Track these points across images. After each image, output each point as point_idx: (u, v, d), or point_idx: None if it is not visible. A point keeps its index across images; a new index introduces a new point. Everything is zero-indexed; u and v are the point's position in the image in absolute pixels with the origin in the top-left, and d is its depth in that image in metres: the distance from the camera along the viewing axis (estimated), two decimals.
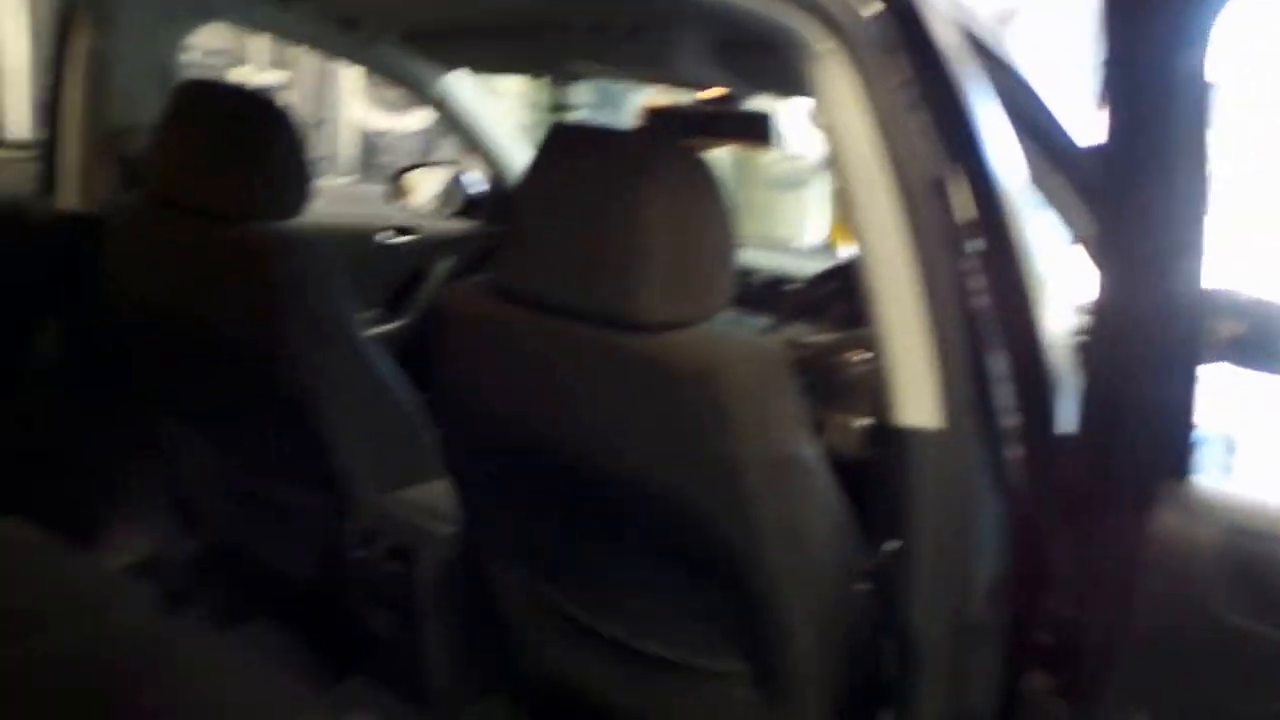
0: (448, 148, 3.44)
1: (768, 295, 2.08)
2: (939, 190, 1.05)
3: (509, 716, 1.58)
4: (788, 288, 2.04)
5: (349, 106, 5.30)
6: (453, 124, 2.38)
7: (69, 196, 1.90)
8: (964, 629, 1.08)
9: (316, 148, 4.93)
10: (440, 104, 2.32)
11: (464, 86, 2.31)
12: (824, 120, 1.11)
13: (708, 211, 1.13)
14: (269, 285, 1.50)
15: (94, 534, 1.89)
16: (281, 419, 1.60)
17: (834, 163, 1.09)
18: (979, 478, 1.07)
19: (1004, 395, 1.04)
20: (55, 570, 1.36)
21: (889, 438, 1.08)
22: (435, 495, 1.51)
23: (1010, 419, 1.05)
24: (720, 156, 3.12)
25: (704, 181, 1.13)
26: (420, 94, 2.32)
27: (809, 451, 1.14)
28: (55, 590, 1.30)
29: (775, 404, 1.10)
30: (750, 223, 3.42)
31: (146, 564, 1.91)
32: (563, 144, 1.20)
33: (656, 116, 1.95)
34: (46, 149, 1.91)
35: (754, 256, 2.20)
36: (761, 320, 1.89)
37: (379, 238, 2.41)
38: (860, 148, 1.06)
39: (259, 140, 1.54)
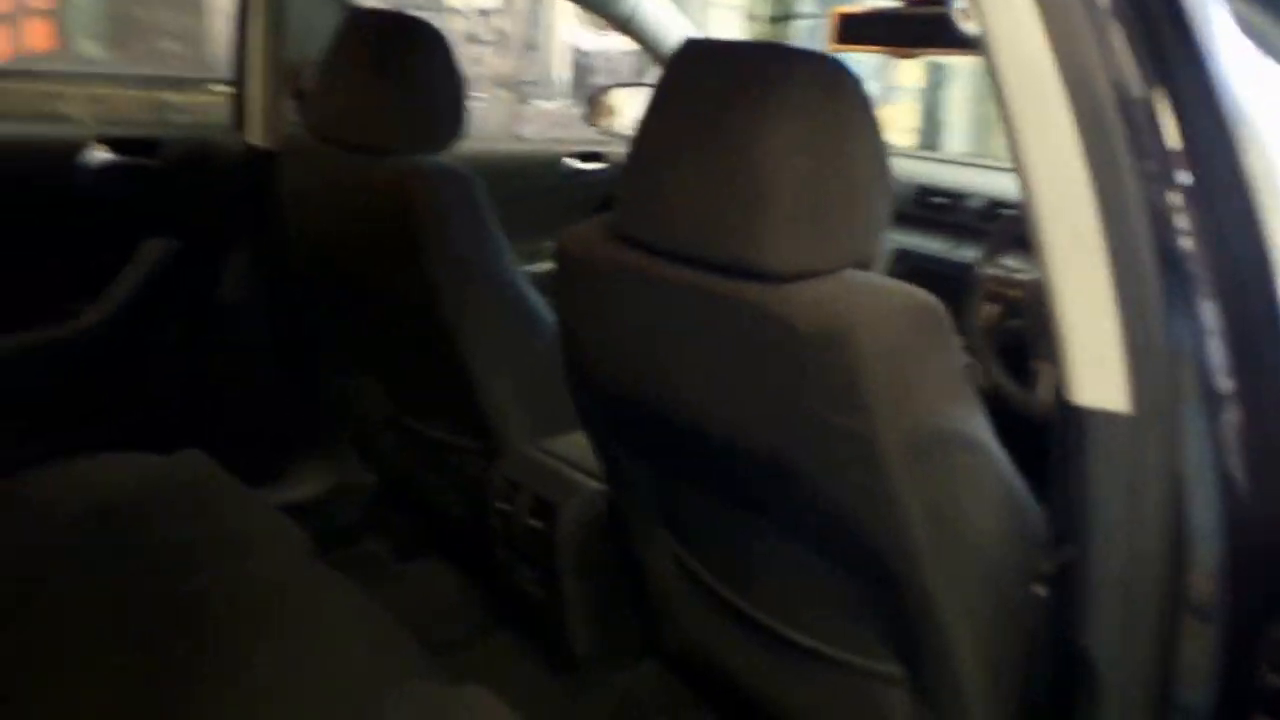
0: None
1: (984, 222, 1.84)
2: (1138, 112, 0.80)
3: (657, 687, 1.48)
4: (1004, 213, 1.79)
5: (562, 28, 5.22)
6: (643, 44, 2.24)
7: (255, 132, 1.91)
8: (1158, 657, 0.87)
9: (530, 71, 4.91)
10: (627, 23, 2.18)
11: (654, 3, 2.16)
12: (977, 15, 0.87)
13: (853, 139, 0.94)
14: (412, 220, 1.43)
15: (271, 469, 1.93)
16: (434, 358, 1.54)
17: (992, 75, 0.85)
18: (1185, 472, 0.84)
19: (1220, 370, 0.81)
20: (225, 505, 1.37)
21: (1066, 418, 0.87)
22: (585, 447, 1.41)
23: (1230, 400, 0.81)
24: (966, 65, 2.83)
25: (850, 103, 0.94)
26: (606, 12, 2.19)
27: (971, 426, 0.95)
28: (218, 527, 1.30)
29: (923, 369, 0.90)
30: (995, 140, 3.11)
31: (320, 500, 1.93)
32: (690, 63, 1.03)
33: (848, 23, 1.71)
34: (236, 85, 1.92)
35: (976, 178, 1.96)
36: (976, 250, 1.66)
37: (566, 164, 2.31)
38: (1028, 55, 0.83)
39: (409, 70, 1.48)
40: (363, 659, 1.10)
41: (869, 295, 0.91)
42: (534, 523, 1.46)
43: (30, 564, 1.19)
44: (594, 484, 1.43)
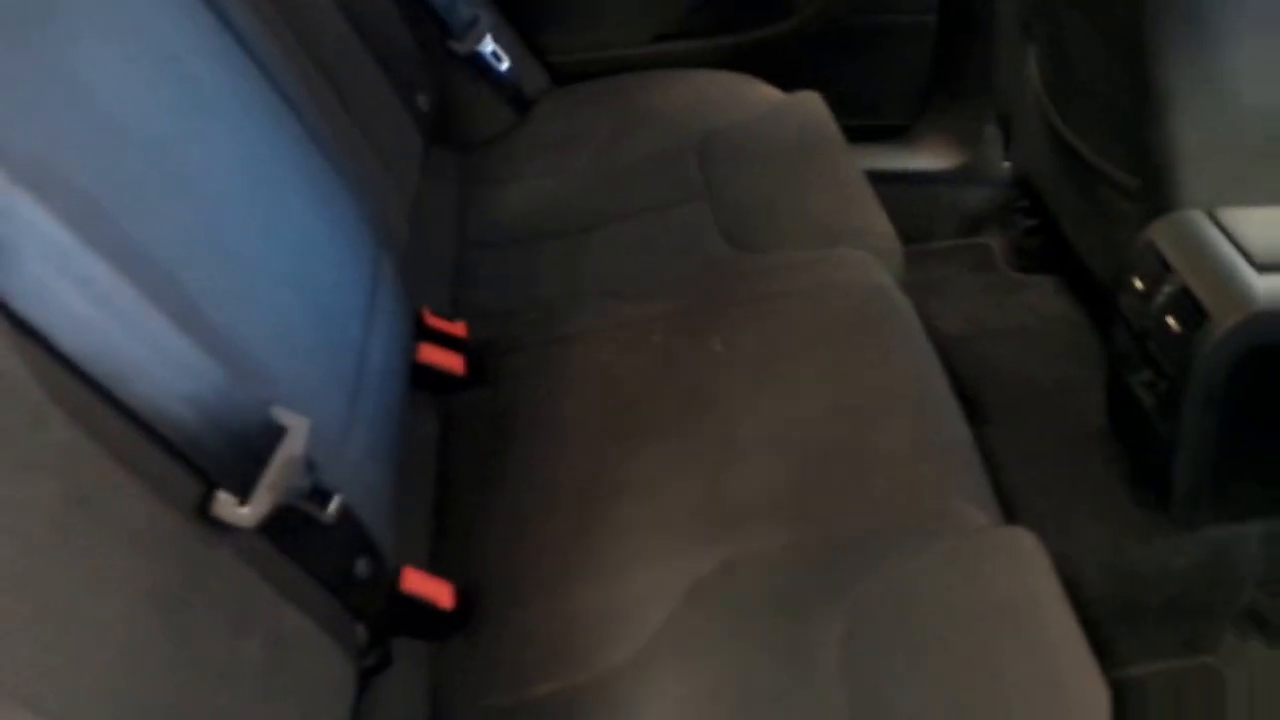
0: None
1: None
2: None
3: (1258, 553, 1.26)
4: None
5: None
6: None
7: None
8: None
9: None
10: None
11: None
12: None
13: None
14: None
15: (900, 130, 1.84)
16: (1105, 46, 1.26)
17: None
18: None
19: None
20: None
21: None
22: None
23: None
24: None
25: None
26: None
27: None
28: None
29: None
30: None
31: (957, 172, 1.82)
32: None
33: None
34: None
35: None
36: None
37: None
38: None
39: None
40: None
41: None
42: (1172, 322, 1.13)
43: None
44: (1273, 300, 1.06)
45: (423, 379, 1.08)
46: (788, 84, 1.55)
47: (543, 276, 1.25)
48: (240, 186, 0.82)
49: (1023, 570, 0.82)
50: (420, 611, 0.86)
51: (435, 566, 0.92)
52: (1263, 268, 1.08)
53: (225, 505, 0.64)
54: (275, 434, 0.69)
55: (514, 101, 1.57)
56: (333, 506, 0.72)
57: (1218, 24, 1.12)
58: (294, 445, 0.69)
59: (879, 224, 1.27)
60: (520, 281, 1.25)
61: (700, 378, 1.04)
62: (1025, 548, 0.84)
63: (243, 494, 0.65)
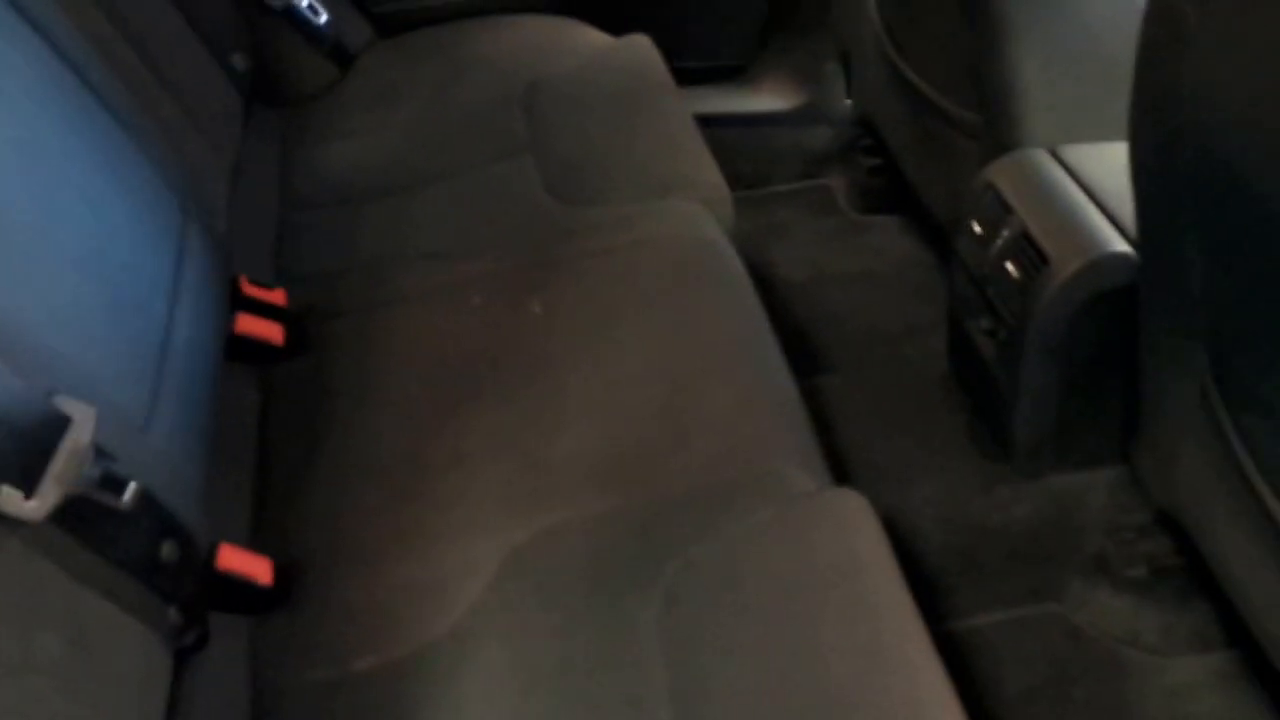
0: None
1: None
2: None
3: (1108, 504, 1.26)
4: None
5: None
6: None
7: None
8: None
9: None
10: None
11: None
12: None
13: None
14: None
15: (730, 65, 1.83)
16: None
17: None
18: None
19: None
20: None
21: None
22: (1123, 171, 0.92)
23: None
24: None
25: None
26: None
27: None
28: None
29: None
30: None
31: (786, 115, 1.82)
32: None
33: None
34: None
35: None
36: None
37: None
38: None
39: None
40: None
41: None
42: (1011, 268, 1.09)
43: None
44: (1116, 243, 1.02)
45: (241, 350, 1.05)
46: (619, 27, 1.53)
47: (365, 238, 1.23)
48: (12, 166, 0.78)
49: (849, 534, 0.81)
50: (238, 589, 0.85)
51: (257, 541, 0.91)
52: (1107, 209, 1.04)
53: (10, 500, 0.62)
54: (60, 424, 0.67)
55: (335, 56, 1.53)
56: (128, 495, 0.71)
57: None
58: (81, 435, 0.67)
59: (709, 173, 1.25)
60: (342, 243, 1.23)
61: (523, 341, 1.04)
62: (852, 510, 0.83)
63: (28, 487, 0.63)
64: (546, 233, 1.19)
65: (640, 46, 1.47)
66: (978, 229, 1.15)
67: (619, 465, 0.91)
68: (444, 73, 1.48)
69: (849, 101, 1.80)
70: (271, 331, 1.07)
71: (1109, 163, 0.99)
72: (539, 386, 0.99)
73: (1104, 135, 1.06)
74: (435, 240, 1.20)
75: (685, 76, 1.47)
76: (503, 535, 0.86)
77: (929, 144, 1.46)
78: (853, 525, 0.82)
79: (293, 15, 1.46)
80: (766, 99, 1.85)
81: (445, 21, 1.60)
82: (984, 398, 1.26)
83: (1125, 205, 0.91)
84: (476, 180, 1.28)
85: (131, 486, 0.71)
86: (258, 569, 0.86)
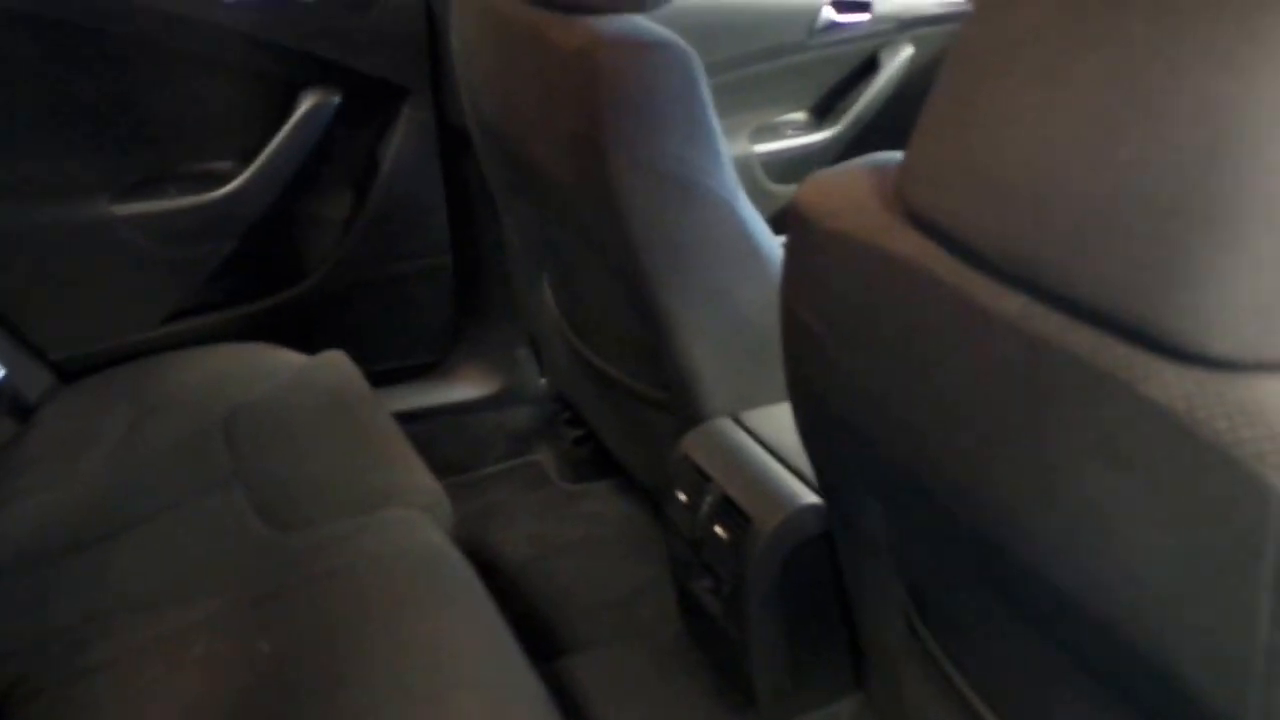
0: None
1: None
2: None
3: None
4: None
5: None
6: None
7: None
8: None
9: None
10: None
11: None
12: None
13: None
14: (597, 103, 1.08)
15: (437, 361, 1.86)
16: (615, 282, 1.23)
17: None
18: None
19: None
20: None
21: None
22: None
23: None
24: None
25: None
26: None
27: None
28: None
29: None
30: None
31: (488, 401, 1.86)
32: None
33: None
34: None
35: None
36: None
37: (822, 17, 1.95)
38: None
39: None
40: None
41: None
42: (720, 531, 1.13)
43: None
44: (806, 496, 1.09)
45: None
46: (314, 345, 1.55)
47: (60, 600, 1.13)
48: None
49: None
50: None
51: None
52: (791, 466, 1.14)
53: None
54: None
55: (13, 411, 1.45)
56: None
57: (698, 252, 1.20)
58: None
59: (421, 477, 1.27)
60: (33, 612, 1.12)
61: (253, 689, 0.97)
62: None
63: None
64: (266, 564, 1.14)
65: (336, 362, 1.50)
66: (683, 497, 1.22)
67: None
68: (136, 412, 1.42)
69: (544, 381, 1.91)
70: None
71: (786, 422, 1.04)
72: None
73: (778, 397, 1.13)
74: (144, 591, 1.12)
75: (383, 378, 1.51)
76: None
77: (623, 418, 1.55)
78: None
79: None
80: (465, 388, 1.92)
81: (132, 360, 1.56)
82: (720, 651, 1.29)
83: (805, 460, 0.99)
84: (183, 518, 1.22)
85: None
86: None
